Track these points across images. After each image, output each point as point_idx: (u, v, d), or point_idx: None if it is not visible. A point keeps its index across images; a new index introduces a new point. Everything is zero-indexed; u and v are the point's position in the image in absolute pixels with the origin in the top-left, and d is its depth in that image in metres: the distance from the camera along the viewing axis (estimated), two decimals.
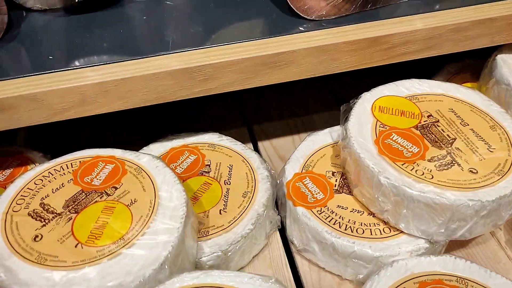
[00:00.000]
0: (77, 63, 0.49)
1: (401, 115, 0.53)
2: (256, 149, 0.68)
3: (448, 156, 0.49)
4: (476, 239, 0.56)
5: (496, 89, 0.58)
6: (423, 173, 0.47)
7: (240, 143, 0.60)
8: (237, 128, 0.71)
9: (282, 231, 0.56)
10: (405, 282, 0.45)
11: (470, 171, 0.48)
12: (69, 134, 0.69)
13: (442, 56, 0.59)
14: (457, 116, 0.53)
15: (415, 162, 0.48)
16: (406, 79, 0.59)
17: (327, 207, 0.52)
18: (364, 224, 0.50)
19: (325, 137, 0.59)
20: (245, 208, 0.52)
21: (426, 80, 0.58)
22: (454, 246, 0.55)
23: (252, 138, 0.70)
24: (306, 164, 0.56)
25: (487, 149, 0.50)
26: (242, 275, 0.42)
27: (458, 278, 0.45)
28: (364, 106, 0.54)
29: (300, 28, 0.53)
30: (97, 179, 0.49)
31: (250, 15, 0.56)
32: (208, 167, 0.57)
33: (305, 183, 0.54)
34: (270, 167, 0.58)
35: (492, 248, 0.55)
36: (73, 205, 0.46)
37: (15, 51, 0.51)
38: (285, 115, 0.74)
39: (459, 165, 0.48)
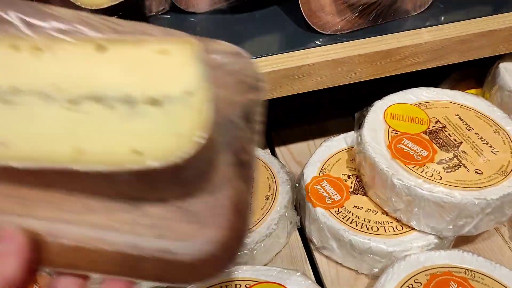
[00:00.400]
0: None
1: (411, 122, 0.58)
2: (273, 154, 0.73)
3: (455, 158, 0.53)
4: (482, 235, 0.60)
5: (499, 95, 0.63)
6: (432, 175, 0.51)
7: (260, 149, 0.65)
8: None
9: (301, 230, 0.61)
10: (417, 274, 0.49)
11: (476, 172, 0.52)
12: None
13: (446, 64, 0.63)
14: (462, 122, 0.58)
15: (425, 165, 0.52)
16: (414, 87, 0.63)
17: (344, 207, 0.56)
18: (379, 222, 0.55)
19: (340, 142, 0.64)
20: (267, 210, 0.57)
21: (433, 88, 0.62)
22: (461, 241, 0.59)
23: (270, 144, 0.75)
24: (323, 168, 0.61)
25: (491, 151, 0.54)
26: (271, 269, 0.46)
27: (466, 270, 0.49)
28: (377, 114, 0.59)
29: (317, 42, 0.57)
30: None
31: (270, 30, 0.61)
32: None
33: (322, 185, 0.59)
34: (288, 171, 0.63)
35: (497, 243, 0.59)
36: None
37: None
38: (301, 123, 0.78)
39: (465, 166, 0.52)
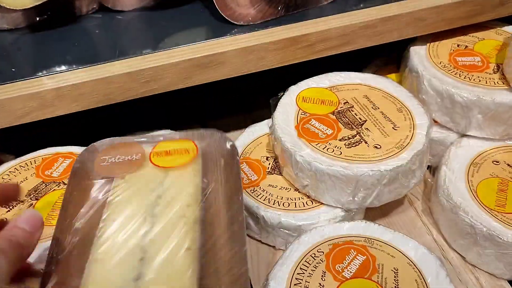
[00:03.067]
0: (36, 73, 0.57)
1: (321, 104, 0.61)
2: None
3: (357, 135, 0.57)
4: (397, 208, 0.63)
5: (409, 77, 0.66)
6: (333, 151, 0.55)
7: None
8: (193, 125, 0.79)
9: None
10: (320, 244, 0.52)
11: (375, 146, 0.55)
12: (34, 137, 0.76)
13: (375, 49, 0.67)
14: (370, 101, 0.61)
15: (327, 142, 0.56)
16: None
17: (259, 186, 0.59)
18: (290, 198, 0.58)
19: (262, 127, 0.67)
20: None
21: (347, 73, 0.66)
22: (377, 215, 0.63)
23: None
24: (244, 152, 0.64)
25: (392, 127, 0.57)
26: None
27: (366, 239, 0.52)
28: (290, 97, 0.62)
29: (230, 33, 0.61)
30: (56, 171, 0.56)
31: (189, 24, 0.64)
32: None
33: (242, 168, 0.62)
34: None
35: (410, 215, 0.63)
36: (34, 194, 0.53)
37: None
38: (238, 111, 0.82)
39: (365, 142, 0.56)
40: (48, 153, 0.59)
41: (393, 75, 0.73)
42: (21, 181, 0.55)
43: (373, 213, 0.62)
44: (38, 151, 0.59)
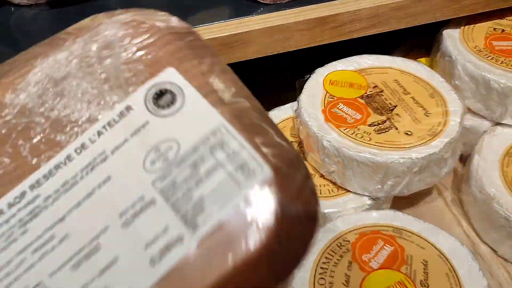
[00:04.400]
0: None
1: (349, 87, 0.59)
2: None
3: (387, 121, 0.54)
4: (424, 198, 0.61)
5: (442, 62, 0.63)
6: (362, 136, 0.52)
7: None
8: None
9: None
10: (347, 233, 0.50)
11: (406, 133, 0.53)
12: None
13: (404, 32, 0.64)
14: (400, 86, 0.58)
15: (356, 127, 0.54)
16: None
17: None
18: (315, 185, 0.56)
19: (286, 111, 0.65)
20: None
21: (376, 55, 0.63)
22: (404, 204, 0.60)
23: None
24: None
25: (424, 114, 0.55)
26: None
27: (395, 229, 0.50)
28: (317, 80, 0.60)
29: (256, 11, 0.58)
30: None
31: (213, 2, 0.62)
32: None
33: None
34: None
35: (439, 206, 0.60)
36: None
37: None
38: (261, 93, 0.79)
39: (396, 128, 0.53)
40: None
41: (423, 60, 0.70)
42: None
43: (399, 203, 0.60)
44: None
